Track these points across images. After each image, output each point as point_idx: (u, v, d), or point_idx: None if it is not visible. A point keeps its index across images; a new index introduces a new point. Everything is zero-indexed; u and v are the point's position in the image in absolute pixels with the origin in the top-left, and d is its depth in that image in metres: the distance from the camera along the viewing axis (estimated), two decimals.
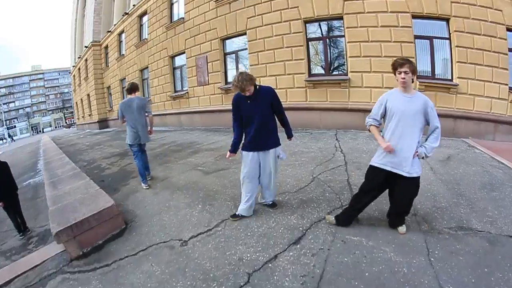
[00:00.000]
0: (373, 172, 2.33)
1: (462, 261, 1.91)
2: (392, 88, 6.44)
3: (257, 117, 2.50)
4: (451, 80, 6.24)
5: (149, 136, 4.20)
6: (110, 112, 17.20)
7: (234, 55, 8.87)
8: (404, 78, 2.07)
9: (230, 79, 9.02)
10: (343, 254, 2.11)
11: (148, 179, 4.20)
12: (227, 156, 2.66)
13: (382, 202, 2.66)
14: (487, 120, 6.09)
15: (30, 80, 67.19)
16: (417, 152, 2.15)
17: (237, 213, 2.79)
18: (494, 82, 6.06)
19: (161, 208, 3.24)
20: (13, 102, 64.14)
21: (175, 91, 11.13)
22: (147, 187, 3.97)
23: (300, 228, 2.52)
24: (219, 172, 4.29)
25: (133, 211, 3.27)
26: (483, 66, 6.06)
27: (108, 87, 17.13)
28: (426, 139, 2.18)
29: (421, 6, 6.23)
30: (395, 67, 2.13)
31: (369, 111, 6.32)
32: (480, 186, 3.18)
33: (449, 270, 1.85)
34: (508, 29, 6.12)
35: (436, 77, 6.38)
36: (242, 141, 2.66)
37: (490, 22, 6.06)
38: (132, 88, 4.19)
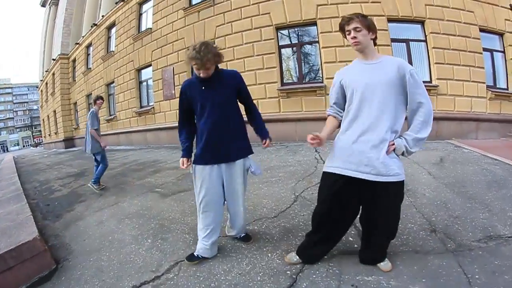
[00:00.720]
0: (326, 182, 1.65)
1: (509, 280, 1.50)
2: None
3: (214, 111, 1.76)
4: (430, 81, 6.14)
5: (94, 148, 4.28)
6: (77, 130, 16.02)
7: None
8: (355, 37, 1.48)
9: None
10: None
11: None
12: (181, 165, 1.90)
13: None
14: (468, 119, 6.06)
15: None
16: (392, 144, 1.48)
17: (195, 254, 1.96)
18: (472, 81, 6.11)
19: (102, 242, 2.48)
20: None
21: (141, 107, 10.35)
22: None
23: (288, 272, 1.75)
24: (179, 195, 3.58)
25: (69, 246, 2.52)
26: (460, 66, 6.08)
27: (75, 103, 16.00)
28: (409, 127, 1.54)
29: (396, 9, 6.18)
30: (342, 27, 1.55)
31: None
32: (486, 185, 2.98)
33: None
34: (481, 30, 6.30)
35: None
36: (194, 148, 1.91)
37: (464, 23, 6.20)
38: (93, 100, 4.46)
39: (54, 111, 18.12)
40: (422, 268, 1.66)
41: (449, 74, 6.05)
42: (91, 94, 13.48)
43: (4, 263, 1.96)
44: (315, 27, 6.60)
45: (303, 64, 6.97)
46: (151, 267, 1.99)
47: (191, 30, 8.22)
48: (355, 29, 1.48)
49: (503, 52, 6.68)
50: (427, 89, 4.91)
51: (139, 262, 2.06)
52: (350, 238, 2.08)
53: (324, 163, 4.26)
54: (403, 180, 1.53)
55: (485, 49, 6.33)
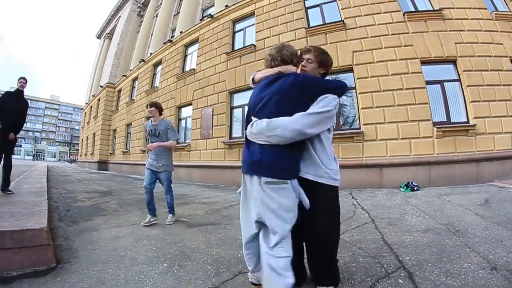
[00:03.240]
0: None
1: None
2: (410, 139, 5.55)
3: None
4: (468, 122, 5.83)
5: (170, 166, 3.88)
6: (111, 155, 17.01)
7: (241, 109, 8.64)
8: (304, 66, 1.72)
9: (235, 134, 8.67)
10: None
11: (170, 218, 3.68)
12: None
13: None
14: (510, 157, 5.55)
15: (45, 107, 70.53)
16: None
17: None
18: (510, 116, 5.74)
19: (111, 256, 2.36)
20: (26, 123, 66.64)
21: (178, 143, 10.75)
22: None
23: None
24: (205, 227, 3.42)
25: (76, 250, 2.47)
26: (496, 102, 5.81)
27: (114, 130, 17.23)
28: None
29: (428, 50, 6.21)
30: (300, 54, 1.75)
31: (386, 165, 5.49)
32: None
33: None
34: None
35: (452, 121, 5.95)
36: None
37: (495, 56, 6.05)
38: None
39: (94, 134, 19.69)
40: None
41: (486, 111, 5.73)
42: (131, 124, 14.52)
43: (2, 241, 1.91)
44: (352, 73, 6.69)
45: (340, 110, 6.91)
46: None
47: (232, 74, 8.78)
48: (307, 59, 1.69)
49: None
50: (464, 130, 5.46)
51: (148, 284, 1.90)
52: (400, 281, 1.88)
53: (362, 208, 4.19)
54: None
55: None
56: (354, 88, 6.59)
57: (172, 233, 3.10)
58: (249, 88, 8.17)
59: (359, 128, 6.34)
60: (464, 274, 1.88)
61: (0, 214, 2.44)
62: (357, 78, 6.51)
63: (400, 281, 1.84)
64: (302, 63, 1.70)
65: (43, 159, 55.86)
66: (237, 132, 8.57)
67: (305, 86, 1.49)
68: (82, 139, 24.29)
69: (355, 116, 6.66)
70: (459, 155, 5.59)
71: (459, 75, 6.14)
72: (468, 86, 5.91)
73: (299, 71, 1.69)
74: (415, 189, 5.25)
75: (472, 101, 5.84)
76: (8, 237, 1.97)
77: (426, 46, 6.23)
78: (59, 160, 64.16)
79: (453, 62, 6.20)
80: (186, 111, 10.63)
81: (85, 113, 24.67)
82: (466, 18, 6.38)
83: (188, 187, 8.00)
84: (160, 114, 3.93)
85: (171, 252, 2.49)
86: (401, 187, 5.47)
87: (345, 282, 1.85)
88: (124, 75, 16.94)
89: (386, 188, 5.72)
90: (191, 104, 10.19)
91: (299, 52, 1.74)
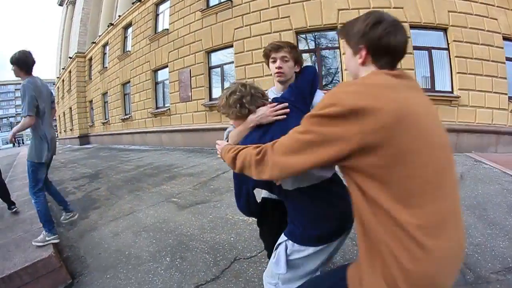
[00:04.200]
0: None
1: None
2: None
3: None
4: (452, 92, 5.95)
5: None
6: (92, 128, 16.52)
7: (219, 69, 8.33)
8: (280, 68, 1.35)
9: (214, 95, 8.44)
10: None
11: (68, 217, 3.00)
12: None
13: None
14: (489, 132, 5.85)
15: (15, 89, 65.06)
16: None
17: None
18: (494, 92, 5.89)
19: (118, 258, 2.46)
20: None
21: (157, 108, 10.49)
22: (57, 239, 2.49)
23: None
24: (196, 207, 3.54)
25: (84, 259, 2.51)
26: (483, 76, 5.87)
27: (91, 101, 16.45)
28: None
29: (419, 15, 5.99)
30: (267, 54, 1.39)
31: None
32: (507, 209, 2.92)
33: None
34: (504, 38, 6.03)
35: (437, 89, 6.05)
36: None
37: (487, 31, 5.95)
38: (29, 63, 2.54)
39: (70, 108, 18.72)
40: None
41: (471, 84, 5.85)
42: (107, 92, 13.85)
43: (20, 280, 1.99)
44: (335, 32, 6.48)
45: (322, 70, 6.87)
46: None
47: (208, 32, 8.23)
48: (282, 58, 1.34)
49: None
50: (447, 100, 5.21)
51: (158, 283, 2.04)
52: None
53: None
54: None
55: (507, 59, 6.07)
56: (338, 48, 6.53)
57: (166, 219, 3.20)
58: (227, 47, 7.94)
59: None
60: None
61: (6, 250, 2.34)
62: (342, 39, 6.30)
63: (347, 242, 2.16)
64: (276, 64, 1.36)
65: (23, 142, 52.25)
66: (217, 93, 8.39)
67: None
68: (59, 116, 22.95)
69: (338, 76, 6.71)
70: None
71: (448, 44, 6.08)
72: (456, 56, 5.92)
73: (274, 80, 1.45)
74: None
75: (458, 72, 5.90)
76: (24, 274, 2.03)
77: (417, 11, 6.01)
78: None
79: (444, 30, 6.09)
80: (163, 74, 10.13)
81: (58, 87, 22.90)
82: None
83: (172, 154, 7.99)
84: (28, 73, 2.57)
85: (170, 243, 2.62)
86: None
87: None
88: (94, 42, 15.61)
89: None
90: (167, 66, 9.68)
91: (263, 52, 1.43)
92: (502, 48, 6.01)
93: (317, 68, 6.77)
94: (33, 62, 2.58)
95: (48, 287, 2.06)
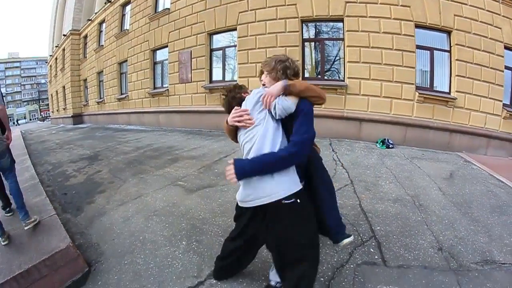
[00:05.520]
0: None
1: None
2: (391, 99, 5.50)
3: None
4: (449, 93, 6.12)
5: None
6: (86, 107, 16.04)
7: (221, 51, 8.21)
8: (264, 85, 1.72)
9: (215, 77, 8.37)
10: None
11: (28, 221, 2.55)
12: None
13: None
14: (481, 135, 6.11)
15: (6, 68, 62.51)
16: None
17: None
18: (490, 98, 6.09)
19: (133, 243, 2.49)
20: None
21: (155, 88, 10.27)
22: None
23: (322, 279, 1.97)
24: (204, 191, 3.61)
25: (98, 246, 2.50)
26: (481, 82, 6.04)
27: (85, 80, 15.88)
28: None
29: (425, 16, 6.03)
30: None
31: (366, 120, 5.82)
32: (490, 209, 3.15)
33: None
34: (506, 47, 6.19)
35: (435, 89, 6.23)
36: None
37: (490, 38, 6.07)
38: None
39: (63, 87, 18.04)
40: (429, 282, 1.93)
41: (469, 88, 6.02)
42: (102, 71, 13.40)
43: (38, 273, 1.98)
44: (342, 24, 6.47)
45: (325, 60, 6.88)
46: (192, 272, 2.07)
47: (211, 14, 8.02)
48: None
49: None
50: (444, 100, 5.51)
51: (178, 267, 2.13)
52: (372, 250, 2.31)
53: (342, 165, 4.55)
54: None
55: (506, 67, 6.25)
56: (342, 39, 6.50)
57: (176, 203, 3.25)
58: (230, 29, 7.84)
59: (343, 81, 6.48)
60: (418, 250, 2.31)
61: (19, 243, 2.24)
62: (347, 30, 6.34)
63: (371, 250, 2.31)
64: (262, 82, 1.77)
65: (17, 123, 49.62)
66: (217, 76, 8.32)
67: None
68: (52, 94, 21.99)
69: (340, 69, 6.73)
70: (435, 122, 6.03)
71: (450, 47, 6.16)
72: (457, 59, 6.02)
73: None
74: (390, 146, 5.76)
75: (457, 75, 6.03)
76: (42, 267, 2.00)
77: (423, 11, 6.02)
78: (31, 120, 58.15)
79: (448, 33, 6.16)
80: (162, 54, 9.86)
81: (50, 66, 21.79)
82: None
83: (171, 135, 7.96)
84: None
85: (183, 227, 2.70)
86: (377, 142, 5.97)
87: (331, 247, 2.26)
88: (89, 19, 14.85)
89: (363, 141, 6.22)
90: (166, 46, 9.41)
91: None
92: (503, 56, 6.16)
93: (319, 57, 6.84)
94: None
95: (66, 277, 2.03)
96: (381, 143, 5.87)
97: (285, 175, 1.43)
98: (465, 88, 6.02)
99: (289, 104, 1.46)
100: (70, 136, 10.16)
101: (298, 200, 1.42)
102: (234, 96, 1.73)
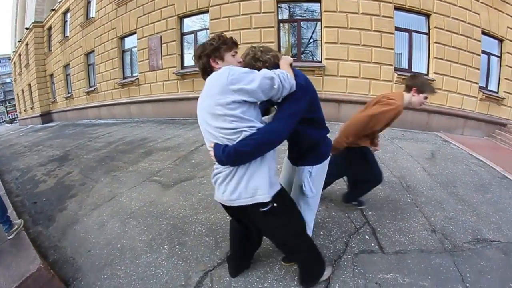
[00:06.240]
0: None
1: (491, 280, 1.84)
2: (370, 80, 5.53)
3: None
4: (427, 75, 6.23)
5: None
6: (54, 104, 14.84)
7: (192, 35, 7.76)
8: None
9: (187, 63, 7.94)
10: None
11: (12, 229, 2.42)
12: None
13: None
14: (458, 115, 6.33)
15: None
16: None
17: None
18: (467, 80, 6.30)
19: (111, 252, 2.22)
20: None
21: (124, 78, 9.61)
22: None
23: None
24: (182, 185, 3.37)
25: (74, 260, 2.22)
26: (458, 64, 6.22)
27: (51, 75, 14.63)
28: None
29: None
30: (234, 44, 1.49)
31: (344, 101, 5.67)
32: (474, 188, 3.23)
33: None
34: (483, 32, 6.41)
35: (413, 70, 6.30)
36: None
37: (468, 23, 6.24)
38: None
39: (29, 85, 16.55)
40: (427, 266, 1.93)
41: (446, 70, 6.16)
42: (69, 64, 12.41)
43: None
44: (319, 4, 6.29)
45: (302, 41, 6.71)
46: (178, 280, 1.86)
47: None
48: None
49: (500, 57, 6.92)
50: None
51: (163, 276, 1.91)
52: (367, 237, 2.26)
53: None
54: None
55: (483, 52, 6.50)
56: (320, 20, 6.36)
57: (153, 201, 3.00)
58: (202, 12, 7.39)
59: (320, 62, 6.37)
60: (412, 233, 2.30)
61: None
62: (325, 11, 6.20)
63: (367, 237, 2.26)
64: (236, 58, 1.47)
65: None
66: (189, 61, 7.89)
67: None
68: (17, 94, 20.12)
69: (317, 50, 6.63)
70: None
71: (429, 29, 6.24)
72: (435, 42, 6.11)
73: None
74: None
75: (435, 57, 6.14)
76: None
77: None
78: None
79: (427, 16, 6.22)
80: (130, 41, 9.19)
81: (14, 62, 19.80)
82: None
83: (143, 126, 7.55)
84: None
85: (163, 228, 2.47)
86: None
87: (326, 238, 2.23)
88: (53, 9, 13.45)
89: (343, 122, 6.16)
90: (135, 33, 8.76)
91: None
92: (480, 41, 6.37)
93: (296, 38, 6.67)
94: None
95: None
96: None
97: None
98: (443, 70, 6.15)
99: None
100: (39, 137, 9.42)
101: (275, 204, 1.35)
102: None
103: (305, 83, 1.39)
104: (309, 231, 1.78)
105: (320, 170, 1.67)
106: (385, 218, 2.51)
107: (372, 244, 2.16)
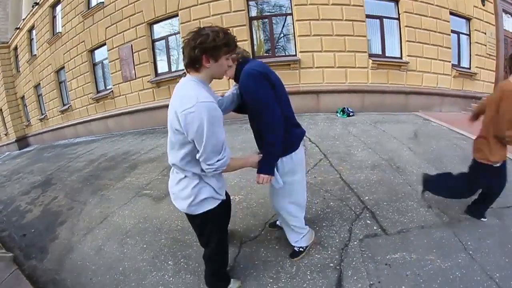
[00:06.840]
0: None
1: (490, 244, 1.96)
2: (346, 68, 5.65)
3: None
4: (401, 58, 6.44)
5: None
6: (29, 127, 14.01)
7: (164, 41, 7.56)
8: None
9: (160, 69, 7.74)
10: (398, 283, 1.71)
11: None
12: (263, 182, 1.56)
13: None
14: (434, 94, 6.59)
15: None
16: None
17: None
18: (439, 60, 6.57)
19: (114, 277, 2.09)
20: None
21: (98, 92, 9.21)
22: None
23: (331, 265, 1.89)
24: None
25: None
26: (430, 45, 6.47)
27: (22, 97, 13.81)
28: None
29: None
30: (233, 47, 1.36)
31: (323, 92, 5.72)
32: (459, 161, 3.32)
33: (487, 259, 1.84)
34: (451, 13, 6.71)
35: (387, 55, 6.48)
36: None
37: (436, 5, 6.49)
38: None
39: (0, 110, 15.50)
40: (430, 241, 2.03)
41: (419, 52, 6.39)
42: (39, 84, 11.75)
43: None
44: None
45: (275, 37, 6.71)
46: None
47: (150, 2, 7.26)
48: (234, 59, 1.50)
49: (469, 35, 7.27)
50: (397, 65, 5.69)
51: None
52: (368, 221, 2.31)
53: (310, 140, 4.49)
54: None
55: (453, 31, 6.80)
56: (291, 14, 6.39)
57: (147, 217, 2.89)
58: (171, 16, 7.22)
59: (295, 55, 6.41)
60: (410, 211, 2.39)
61: None
62: (295, 5, 6.23)
63: (368, 221, 2.32)
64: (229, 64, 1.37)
65: None
66: (163, 68, 7.71)
67: None
68: None
69: (290, 44, 6.64)
70: (391, 86, 6.34)
71: (399, 14, 6.43)
72: (406, 26, 6.32)
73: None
74: (350, 114, 5.93)
75: (407, 41, 6.35)
76: None
77: None
78: None
79: (396, 1, 6.41)
80: (101, 54, 8.79)
81: None
82: None
83: (123, 140, 7.29)
84: None
85: (164, 243, 2.39)
86: (337, 112, 6.12)
87: (329, 229, 2.26)
88: (17, 28, 12.68)
89: (323, 112, 6.34)
90: (104, 44, 8.42)
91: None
92: (449, 22, 6.67)
93: (268, 34, 6.66)
94: None
95: None
96: (341, 112, 6.02)
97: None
98: (416, 52, 6.37)
99: None
100: (18, 164, 8.85)
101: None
102: None
103: (257, 73, 1.45)
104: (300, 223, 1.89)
105: (288, 161, 1.61)
106: (382, 201, 2.59)
107: (375, 228, 2.23)
